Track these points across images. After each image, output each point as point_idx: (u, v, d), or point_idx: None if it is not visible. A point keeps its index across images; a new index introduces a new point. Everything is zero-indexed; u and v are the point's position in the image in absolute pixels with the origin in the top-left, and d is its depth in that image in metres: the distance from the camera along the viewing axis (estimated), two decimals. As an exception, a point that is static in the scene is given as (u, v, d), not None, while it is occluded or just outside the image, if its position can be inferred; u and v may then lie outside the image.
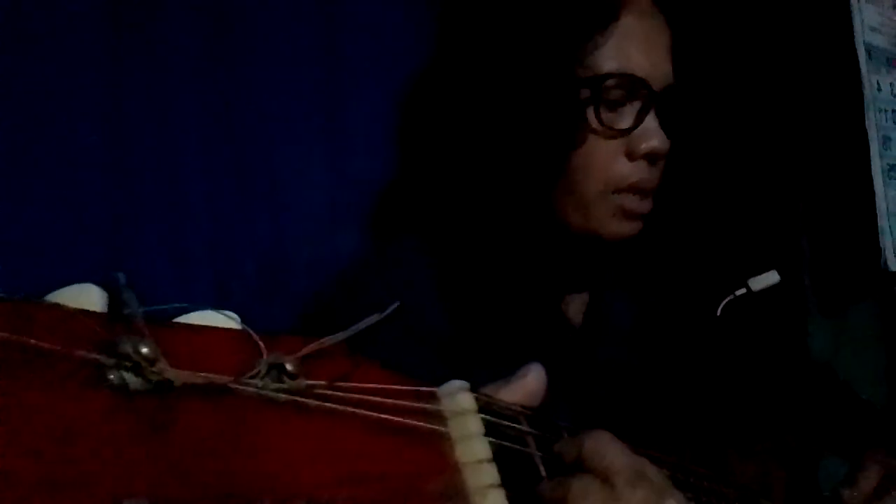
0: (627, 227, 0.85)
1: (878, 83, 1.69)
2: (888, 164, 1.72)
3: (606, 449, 0.40)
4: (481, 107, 0.84)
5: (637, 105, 0.83)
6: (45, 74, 1.04)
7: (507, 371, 0.52)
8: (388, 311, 0.29)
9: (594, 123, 0.82)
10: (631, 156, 0.83)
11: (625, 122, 0.82)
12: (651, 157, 0.83)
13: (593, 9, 0.82)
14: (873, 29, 1.67)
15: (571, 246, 0.87)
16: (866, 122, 1.69)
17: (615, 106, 0.82)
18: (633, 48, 0.82)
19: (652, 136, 0.83)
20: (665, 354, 1.01)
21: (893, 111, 1.72)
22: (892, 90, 1.72)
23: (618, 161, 0.83)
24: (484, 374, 0.41)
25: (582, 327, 0.94)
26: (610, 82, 0.81)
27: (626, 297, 1.01)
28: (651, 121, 0.83)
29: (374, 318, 0.29)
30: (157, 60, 1.14)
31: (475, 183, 0.84)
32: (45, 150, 1.03)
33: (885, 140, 1.71)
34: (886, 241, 1.73)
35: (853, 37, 1.66)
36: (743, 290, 1.59)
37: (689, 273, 1.47)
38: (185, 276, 1.12)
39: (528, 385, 0.42)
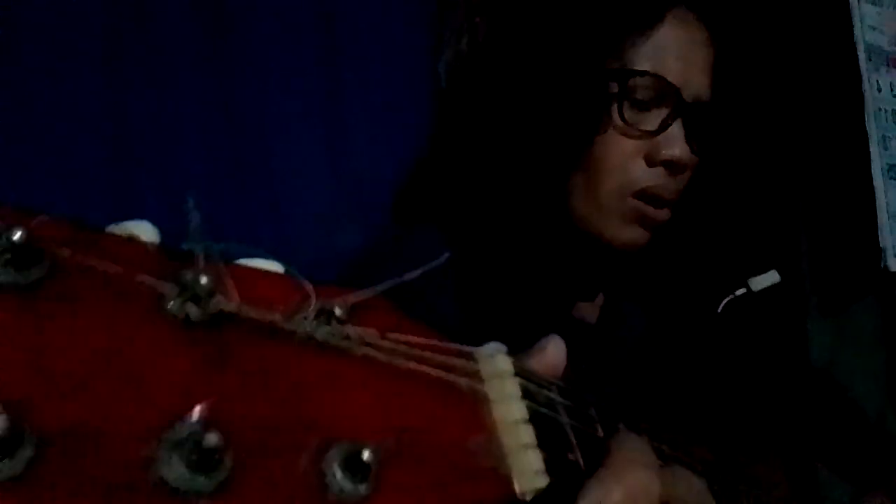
0: (635, 234, 0.82)
1: (878, 83, 1.70)
2: (888, 164, 1.72)
3: (627, 440, 0.39)
4: (510, 89, 0.83)
5: (665, 111, 0.80)
6: (45, 75, 1.04)
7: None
8: (437, 262, 0.29)
9: (617, 119, 0.79)
10: (650, 160, 0.80)
11: (650, 124, 0.80)
12: (670, 166, 0.80)
13: (636, 9, 0.81)
14: (873, 29, 1.68)
15: (583, 247, 0.85)
16: (866, 122, 1.70)
17: (642, 106, 0.80)
18: (670, 56, 0.80)
19: (674, 143, 0.79)
20: (674, 360, 1.00)
21: (893, 111, 1.73)
22: (892, 90, 1.73)
23: (635, 163, 0.80)
24: None
25: (596, 326, 0.93)
26: (639, 80, 0.79)
27: (639, 305, 1.00)
28: (677, 129, 0.80)
29: (420, 270, 0.29)
30: (157, 61, 1.14)
31: (494, 170, 0.83)
32: (45, 149, 1.03)
33: (885, 140, 1.72)
34: (886, 241, 1.73)
35: (853, 37, 1.67)
36: (743, 290, 1.59)
37: (689, 273, 1.47)
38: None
39: (548, 357, 0.42)
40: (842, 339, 1.83)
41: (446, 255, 0.31)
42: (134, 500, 0.18)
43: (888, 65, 1.72)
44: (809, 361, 1.78)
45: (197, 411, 0.19)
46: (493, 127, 0.83)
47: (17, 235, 0.18)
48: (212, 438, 0.19)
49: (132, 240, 0.22)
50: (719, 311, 1.59)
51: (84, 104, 1.08)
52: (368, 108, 1.33)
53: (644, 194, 0.81)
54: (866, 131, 1.70)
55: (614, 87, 0.79)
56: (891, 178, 1.72)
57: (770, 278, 1.57)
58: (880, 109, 1.71)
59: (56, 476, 0.17)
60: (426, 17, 1.38)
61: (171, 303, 0.21)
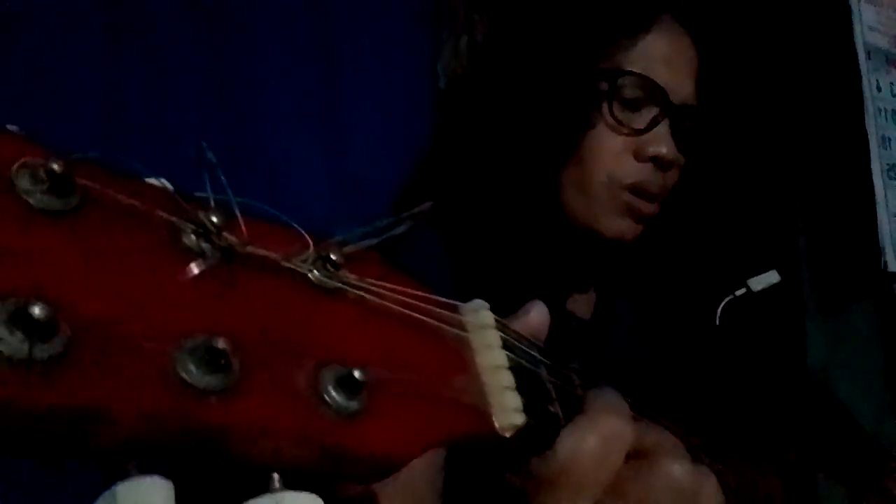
0: (625, 226, 0.85)
1: (877, 83, 1.72)
2: (888, 164, 1.74)
3: (603, 392, 0.42)
4: (505, 86, 0.86)
5: (654, 111, 0.84)
6: (42, 71, 1.06)
7: None
8: (420, 209, 0.32)
9: (607, 116, 0.83)
10: (638, 156, 0.84)
11: (639, 122, 0.84)
12: (658, 162, 0.84)
13: (626, 15, 0.85)
14: (873, 29, 1.70)
15: (575, 241, 0.88)
16: (866, 122, 1.71)
17: (631, 106, 0.84)
18: (658, 60, 0.84)
19: (661, 141, 0.83)
20: (670, 356, 1.02)
21: (893, 111, 1.74)
22: (891, 90, 1.74)
23: (624, 158, 0.84)
24: None
25: (591, 322, 0.95)
26: (628, 80, 0.83)
27: (629, 300, 1.02)
28: (663, 128, 0.84)
29: (407, 220, 0.32)
30: (155, 61, 1.16)
31: (489, 165, 0.86)
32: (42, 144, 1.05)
33: (885, 140, 1.73)
34: (886, 241, 1.74)
35: (853, 37, 1.69)
36: (743, 290, 1.61)
37: (690, 273, 1.49)
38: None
39: (531, 321, 0.44)
40: (840, 338, 1.84)
41: (428, 203, 0.34)
42: (156, 389, 0.21)
43: (888, 65, 1.74)
44: (807, 364, 1.79)
45: (210, 323, 0.22)
46: (489, 123, 0.86)
47: (56, 165, 0.22)
48: (222, 341, 0.22)
49: (152, 184, 0.25)
50: (719, 311, 1.61)
51: (81, 105, 1.10)
52: (367, 108, 1.34)
53: (633, 188, 0.84)
54: (866, 131, 1.71)
55: (604, 86, 0.83)
56: (891, 178, 1.74)
57: (769, 278, 1.58)
58: (880, 109, 1.73)
59: (90, 361, 0.20)
60: (425, 17, 1.40)
61: (186, 237, 0.24)
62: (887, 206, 1.74)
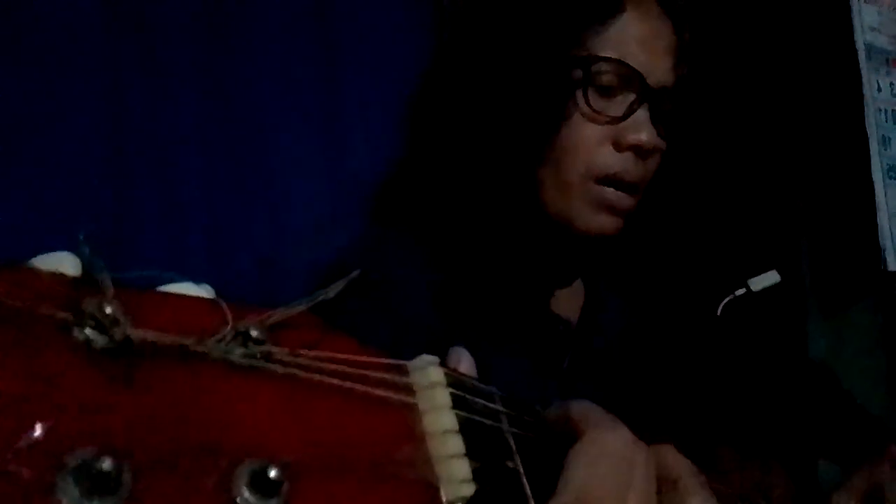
0: (604, 221, 0.83)
1: (878, 83, 1.70)
2: (888, 164, 1.72)
3: (591, 409, 0.41)
4: (476, 80, 0.84)
5: (631, 96, 0.81)
6: (43, 74, 1.05)
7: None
8: (351, 277, 0.30)
9: (583, 106, 0.80)
10: (618, 146, 0.81)
11: (616, 110, 0.81)
12: (638, 150, 0.81)
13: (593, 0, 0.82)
14: (873, 29, 1.68)
15: (555, 238, 0.85)
16: (866, 122, 1.69)
17: (607, 93, 0.81)
18: (632, 43, 0.81)
19: (641, 128, 0.80)
20: (658, 355, 1.00)
21: (893, 111, 1.72)
22: (892, 90, 1.72)
23: (603, 148, 0.81)
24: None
25: (577, 326, 0.93)
26: (603, 66, 0.80)
27: (619, 298, 1.01)
28: (642, 114, 0.81)
29: (340, 283, 0.30)
30: (155, 62, 1.15)
31: (463, 163, 0.84)
32: (43, 152, 1.04)
33: (885, 140, 1.71)
34: (886, 241, 1.73)
35: (853, 37, 1.67)
36: (743, 290, 1.59)
37: (688, 273, 1.48)
38: (183, 276, 1.12)
39: (461, 368, 0.42)
40: (842, 339, 1.83)
41: (357, 272, 0.32)
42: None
43: (888, 65, 1.72)
44: (809, 360, 1.78)
45: (95, 435, 0.20)
46: (462, 121, 0.84)
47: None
48: (106, 463, 0.20)
49: (35, 272, 0.23)
50: (719, 311, 1.60)
51: (82, 104, 1.09)
52: (366, 110, 1.33)
53: (611, 180, 0.81)
54: (866, 131, 1.69)
55: (578, 74, 0.80)
56: (891, 178, 1.72)
57: (770, 278, 1.57)
58: (880, 109, 1.71)
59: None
60: (424, 18, 1.39)
61: (80, 332, 0.22)
62: (888, 206, 1.73)
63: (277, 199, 1.25)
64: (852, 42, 1.67)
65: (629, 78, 0.80)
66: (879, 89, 1.70)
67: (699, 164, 1.36)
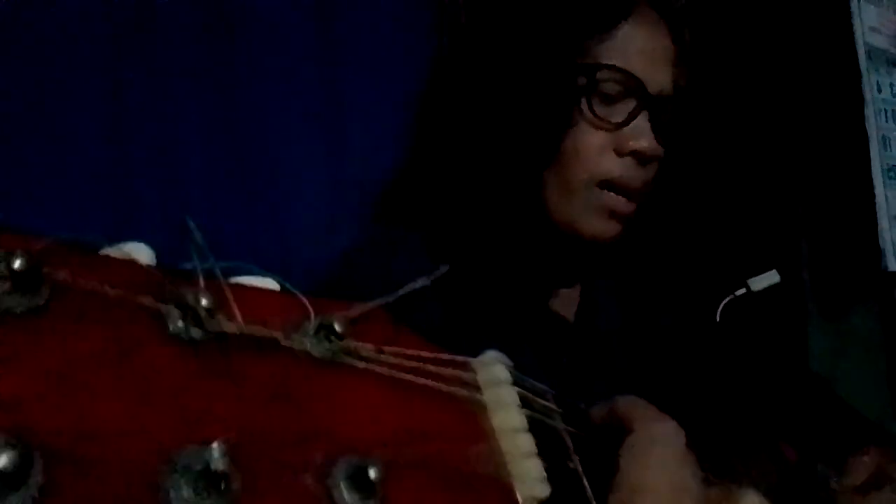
0: (605, 226, 0.84)
1: (878, 83, 1.70)
2: (888, 165, 1.72)
3: (637, 403, 0.40)
4: (482, 86, 0.85)
5: (631, 104, 0.83)
6: (46, 75, 1.04)
7: None
8: (435, 275, 0.30)
9: (587, 113, 0.82)
10: (619, 152, 0.82)
11: (617, 117, 0.82)
12: (638, 157, 0.83)
13: (602, 7, 0.83)
14: (873, 29, 1.68)
15: (557, 240, 0.87)
16: (866, 123, 1.69)
17: (610, 100, 0.83)
18: (634, 52, 0.83)
19: (641, 135, 0.82)
20: (658, 353, 1.01)
21: (893, 111, 1.73)
22: (892, 90, 1.73)
23: (606, 154, 0.82)
24: None
25: (574, 324, 0.94)
26: (606, 74, 0.82)
27: (615, 296, 1.02)
28: (642, 121, 0.82)
29: (420, 282, 0.29)
30: (157, 65, 1.14)
31: (469, 166, 0.85)
32: (44, 152, 1.03)
33: (885, 140, 1.72)
34: (886, 242, 1.73)
35: (853, 37, 1.67)
36: (743, 290, 1.60)
37: (686, 273, 1.47)
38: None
39: None
40: (842, 340, 1.83)
41: (444, 268, 0.31)
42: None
43: (888, 65, 1.72)
44: (808, 363, 1.78)
45: (204, 435, 0.19)
46: (467, 123, 0.85)
47: (17, 263, 0.19)
48: (219, 462, 0.19)
49: (130, 262, 0.22)
50: (719, 311, 1.60)
51: (84, 105, 1.09)
52: (368, 111, 1.33)
53: (613, 185, 0.83)
54: (866, 131, 1.70)
55: (583, 81, 0.82)
56: (891, 179, 1.72)
57: (770, 278, 1.57)
58: (880, 110, 1.71)
59: (67, 495, 0.17)
60: (426, 19, 1.39)
61: (174, 324, 0.21)
62: (888, 206, 1.73)
63: (279, 199, 1.25)
64: (852, 42, 1.68)
65: (630, 85, 0.82)
66: (879, 89, 1.71)
67: (699, 165, 1.36)
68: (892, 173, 1.73)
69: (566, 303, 0.94)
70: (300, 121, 1.28)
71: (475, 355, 0.52)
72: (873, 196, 1.71)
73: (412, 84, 1.32)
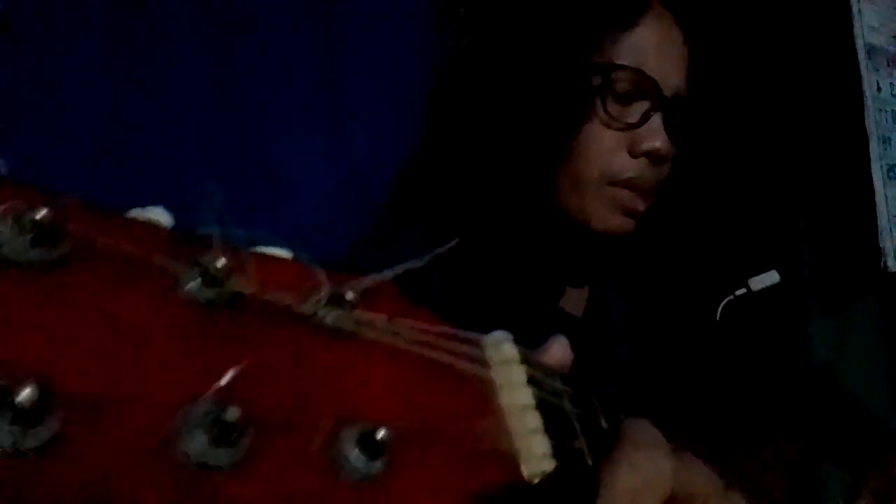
0: (618, 222, 0.85)
1: (878, 83, 1.70)
2: (888, 165, 1.72)
3: (636, 427, 0.40)
4: (497, 83, 0.85)
5: (646, 104, 0.84)
6: (44, 64, 1.04)
7: None
8: (448, 246, 0.30)
9: (601, 112, 0.83)
10: (632, 151, 0.84)
11: (631, 117, 0.83)
12: (652, 157, 0.84)
13: (618, 7, 0.84)
14: (873, 29, 1.68)
15: (570, 236, 0.87)
16: (866, 123, 1.70)
17: (624, 100, 0.84)
18: (649, 52, 0.84)
19: (655, 135, 0.83)
20: (662, 352, 1.01)
21: (893, 111, 1.73)
22: (892, 90, 1.73)
23: (619, 154, 0.84)
24: None
25: (582, 320, 0.94)
26: (621, 74, 0.82)
27: (622, 294, 1.02)
28: (656, 121, 0.84)
29: (430, 254, 0.29)
30: (157, 55, 1.14)
31: (483, 162, 0.85)
32: (43, 140, 1.03)
33: (885, 140, 1.72)
34: (886, 242, 1.73)
35: (853, 37, 1.67)
36: (743, 290, 1.60)
37: (688, 272, 1.48)
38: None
39: (553, 356, 0.42)
40: (843, 339, 1.83)
41: (454, 241, 0.31)
42: (157, 471, 0.18)
43: (888, 65, 1.73)
44: (809, 362, 1.78)
45: (217, 386, 0.20)
46: (482, 120, 0.85)
47: (41, 214, 0.19)
48: (233, 412, 0.19)
49: (147, 223, 0.22)
50: (719, 311, 1.60)
51: (83, 98, 1.09)
52: (368, 105, 1.33)
53: (626, 184, 0.84)
54: (866, 131, 1.70)
55: (597, 80, 0.82)
56: (891, 179, 1.73)
57: (770, 278, 1.57)
58: (880, 110, 1.72)
59: (83, 443, 0.17)
60: (427, 13, 1.39)
61: (189, 284, 0.21)
62: (888, 206, 1.73)
63: (280, 196, 1.25)
64: (852, 42, 1.68)
65: (645, 86, 0.83)
66: (879, 89, 1.71)
67: (700, 164, 1.36)
68: (892, 173, 1.73)
69: (575, 301, 0.94)
70: (302, 118, 1.28)
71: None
72: (873, 195, 1.71)
73: (414, 81, 1.32)
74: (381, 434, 0.23)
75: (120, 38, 1.12)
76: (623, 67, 0.82)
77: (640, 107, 0.83)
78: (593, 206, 0.84)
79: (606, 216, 0.84)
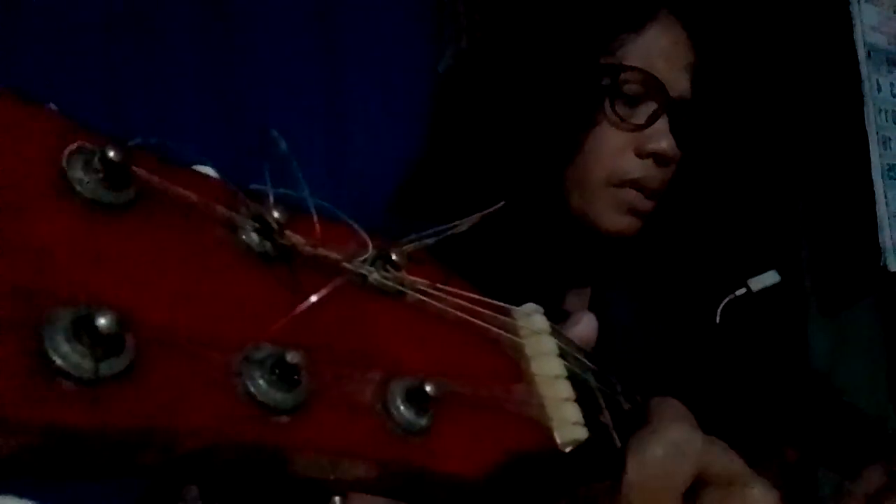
0: (624, 222, 0.86)
1: (878, 83, 1.71)
2: (888, 165, 1.73)
3: (666, 403, 0.40)
4: (506, 83, 0.86)
5: (653, 106, 0.85)
6: (42, 63, 1.04)
7: None
8: (491, 209, 0.30)
9: (609, 113, 0.84)
10: (639, 153, 0.85)
11: (639, 118, 0.84)
12: (658, 158, 0.85)
13: (627, 10, 0.85)
14: (873, 29, 1.69)
15: (575, 236, 0.88)
16: (866, 123, 1.70)
17: (631, 101, 0.85)
18: (657, 55, 0.85)
19: (661, 137, 0.84)
20: (664, 353, 1.01)
21: (893, 111, 1.74)
22: (892, 90, 1.74)
23: (625, 155, 0.84)
24: None
25: None
26: (629, 75, 0.83)
27: (624, 295, 1.02)
28: (663, 123, 0.85)
29: (472, 218, 0.30)
30: (157, 56, 1.14)
31: (491, 163, 0.86)
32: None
33: (885, 140, 1.73)
34: (886, 241, 1.74)
35: (853, 37, 1.68)
36: (743, 290, 1.60)
37: (689, 272, 1.48)
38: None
39: (580, 332, 0.42)
40: (842, 339, 1.84)
41: (501, 203, 0.32)
42: (222, 405, 0.19)
43: (888, 65, 1.74)
44: (809, 363, 1.78)
45: (279, 329, 0.20)
46: (491, 120, 0.86)
47: (112, 153, 0.19)
48: (294, 356, 0.20)
49: (208, 176, 0.23)
50: (719, 311, 1.60)
51: (82, 95, 1.09)
52: (368, 107, 1.33)
53: (633, 184, 0.84)
54: (866, 131, 1.70)
55: (606, 81, 0.83)
56: (891, 178, 1.73)
57: (770, 278, 1.57)
58: (880, 109, 1.72)
59: (155, 372, 0.18)
60: (426, 16, 1.39)
61: (247, 235, 0.22)
62: (888, 206, 1.74)
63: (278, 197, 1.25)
64: (852, 42, 1.69)
65: (653, 87, 0.84)
66: (879, 89, 1.72)
67: (700, 164, 1.37)
68: (892, 173, 1.73)
69: (578, 300, 0.94)
70: (302, 121, 1.28)
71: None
72: (873, 195, 1.72)
73: (414, 83, 1.32)
74: (428, 388, 0.23)
75: (118, 42, 1.12)
76: (632, 69, 0.83)
77: (647, 108, 0.84)
78: (600, 206, 0.85)
79: (613, 216, 0.85)
